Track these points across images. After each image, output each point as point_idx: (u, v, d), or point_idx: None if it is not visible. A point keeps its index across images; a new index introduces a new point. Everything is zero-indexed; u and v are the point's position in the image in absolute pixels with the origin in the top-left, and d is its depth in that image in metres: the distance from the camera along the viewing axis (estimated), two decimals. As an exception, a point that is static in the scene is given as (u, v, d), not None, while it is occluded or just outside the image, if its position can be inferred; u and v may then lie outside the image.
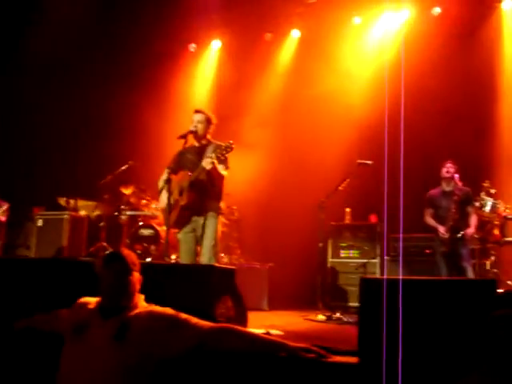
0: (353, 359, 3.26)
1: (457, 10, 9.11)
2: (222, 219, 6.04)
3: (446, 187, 7.24)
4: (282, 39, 10.42)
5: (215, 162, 5.52)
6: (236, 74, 10.19)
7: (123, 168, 8.48)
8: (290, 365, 3.18)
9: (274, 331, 4.55)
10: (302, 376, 3.20)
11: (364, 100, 8.93)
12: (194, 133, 5.87)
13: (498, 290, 5.14)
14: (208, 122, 5.96)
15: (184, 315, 3.14)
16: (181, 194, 5.77)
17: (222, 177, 5.77)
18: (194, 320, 3.13)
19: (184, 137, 5.71)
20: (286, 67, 10.28)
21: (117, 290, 3.13)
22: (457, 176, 7.19)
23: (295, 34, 10.29)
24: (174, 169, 5.88)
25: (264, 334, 3.83)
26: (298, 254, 8.49)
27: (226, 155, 5.59)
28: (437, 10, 9.35)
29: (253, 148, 8.87)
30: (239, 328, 3.24)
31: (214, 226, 5.75)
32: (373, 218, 8.32)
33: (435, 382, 3.02)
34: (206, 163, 5.53)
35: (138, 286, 3.21)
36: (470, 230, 7.09)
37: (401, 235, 7.71)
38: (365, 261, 8.01)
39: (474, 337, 2.80)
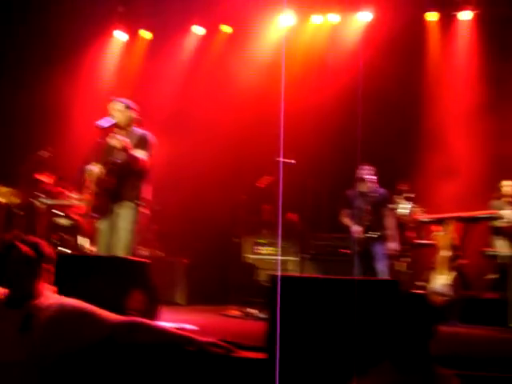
0: (261, 355, 3.29)
1: (384, 18, 9.35)
2: (143, 210, 5.86)
3: (363, 188, 7.38)
4: (210, 33, 10.39)
5: (121, 140, 5.35)
6: (162, 65, 10.11)
7: (41, 155, 8.25)
8: (197, 359, 3.18)
9: (187, 326, 4.54)
10: (210, 371, 3.21)
11: (289, 99, 9.00)
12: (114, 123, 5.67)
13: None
14: (128, 109, 5.69)
15: (93, 308, 3.09)
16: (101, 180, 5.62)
17: (137, 160, 5.50)
18: (103, 313, 3.09)
19: (104, 127, 5.52)
20: (212, 61, 10.26)
21: (15, 279, 3.05)
22: (374, 178, 7.33)
23: (225, 29, 10.28)
24: (100, 159, 5.68)
25: (177, 328, 3.82)
26: (218, 249, 8.52)
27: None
28: (365, 16, 9.55)
29: (176, 141, 8.81)
30: (148, 321, 3.22)
31: (129, 217, 5.56)
32: (292, 216, 8.40)
33: (339, 378, 3.09)
34: (112, 140, 5.36)
35: (44, 276, 3.13)
36: (394, 245, 7.27)
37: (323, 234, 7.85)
38: (283, 258, 8.09)
39: (378, 334, 2.88)
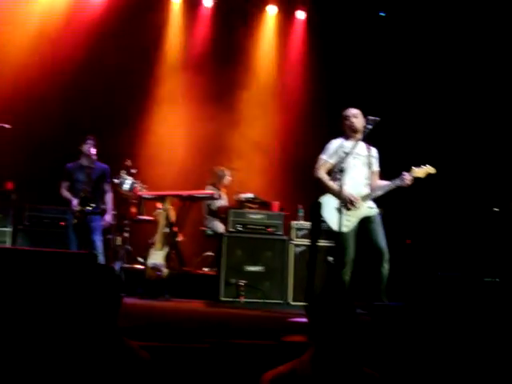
0: None
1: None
2: None
3: (84, 162, 7.23)
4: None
5: None
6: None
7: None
8: None
9: None
10: None
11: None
12: None
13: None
14: None
15: None
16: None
17: None
18: None
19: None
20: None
21: None
22: (94, 151, 7.18)
23: None
24: None
25: None
26: None
27: None
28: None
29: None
30: None
31: None
32: (9, 185, 7.95)
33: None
34: None
35: None
36: (109, 219, 7.30)
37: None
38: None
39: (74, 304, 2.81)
